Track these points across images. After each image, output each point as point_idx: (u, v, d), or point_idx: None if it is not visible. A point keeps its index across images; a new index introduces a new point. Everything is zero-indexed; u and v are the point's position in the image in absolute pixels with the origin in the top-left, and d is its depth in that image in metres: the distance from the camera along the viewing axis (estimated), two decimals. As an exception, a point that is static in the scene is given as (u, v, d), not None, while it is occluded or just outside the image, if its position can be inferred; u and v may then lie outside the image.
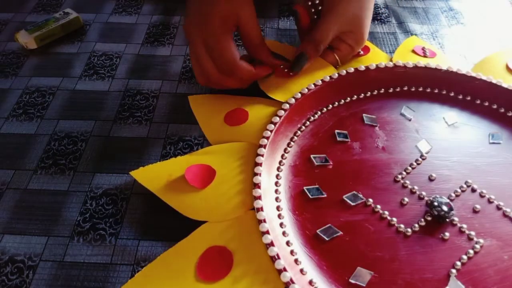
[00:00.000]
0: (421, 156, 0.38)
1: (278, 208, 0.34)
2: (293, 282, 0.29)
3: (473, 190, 0.36)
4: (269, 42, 0.47)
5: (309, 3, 0.44)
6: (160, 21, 0.55)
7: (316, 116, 0.42)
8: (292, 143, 0.39)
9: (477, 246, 0.32)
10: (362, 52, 0.48)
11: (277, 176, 0.37)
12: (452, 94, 0.44)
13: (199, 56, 0.40)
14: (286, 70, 0.44)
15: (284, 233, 0.32)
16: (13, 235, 0.33)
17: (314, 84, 0.43)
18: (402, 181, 0.36)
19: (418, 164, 0.38)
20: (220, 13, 0.38)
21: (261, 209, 0.33)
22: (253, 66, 0.42)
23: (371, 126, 0.41)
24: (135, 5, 0.58)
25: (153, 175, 0.36)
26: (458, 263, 0.31)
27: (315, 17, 0.45)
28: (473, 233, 0.33)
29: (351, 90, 0.44)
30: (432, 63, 0.45)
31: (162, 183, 0.35)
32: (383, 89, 0.44)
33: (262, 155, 0.36)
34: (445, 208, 0.33)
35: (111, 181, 0.37)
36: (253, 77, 0.43)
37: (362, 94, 0.44)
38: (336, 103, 0.43)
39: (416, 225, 0.33)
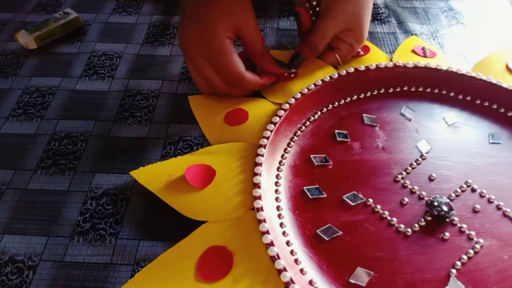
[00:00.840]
0: (421, 156, 0.38)
1: (278, 208, 0.34)
2: (293, 282, 0.29)
3: (473, 190, 0.36)
4: (272, 52, 0.47)
5: (307, 5, 0.44)
6: (160, 21, 0.55)
7: (316, 116, 0.42)
8: (292, 143, 0.39)
9: (477, 246, 0.32)
10: (362, 52, 0.48)
11: (277, 176, 0.37)
12: (452, 94, 0.44)
13: (202, 70, 0.39)
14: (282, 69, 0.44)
15: (284, 233, 0.32)
16: (13, 235, 0.33)
17: (314, 84, 0.43)
18: (402, 181, 0.36)
19: (418, 164, 0.38)
20: (221, 26, 0.37)
21: (261, 209, 0.33)
22: (258, 75, 0.42)
23: (371, 126, 0.41)
24: (135, 5, 0.58)
25: (153, 175, 0.36)
26: (458, 263, 0.31)
27: (313, 19, 0.45)
28: (473, 233, 0.33)
29: (351, 90, 0.44)
30: (432, 63, 0.45)
31: (162, 183, 0.35)
32: (383, 89, 0.44)
33: (262, 155, 0.36)
34: (445, 208, 0.33)
35: (111, 181, 0.37)
36: (260, 87, 0.43)
37: (362, 94, 0.44)
38: (336, 103, 0.43)
39: (416, 225, 0.33)
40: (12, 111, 0.43)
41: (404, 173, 0.37)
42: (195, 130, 0.41)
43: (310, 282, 0.30)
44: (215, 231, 0.32)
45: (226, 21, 0.37)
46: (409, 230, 0.33)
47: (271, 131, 0.38)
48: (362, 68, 0.44)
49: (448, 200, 0.34)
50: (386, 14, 0.56)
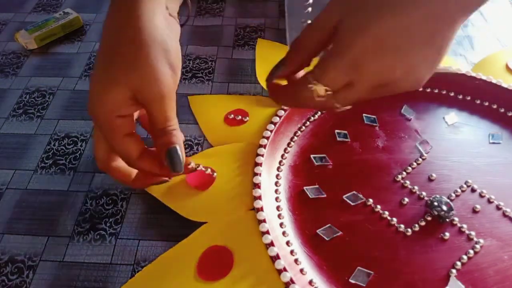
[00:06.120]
0: (421, 156, 0.38)
1: (278, 208, 0.34)
2: (293, 282, 0.29)
3: (473, 190, 0.36)
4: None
5: None
6: (160, 21, 0.55)
7: (316, 116, 0.42)
8: (292, 143, 0.39)
9: (477, 246, 0.32)
10: None
11: (277, 176, 0.37)
12: (452, 94, 0.44)
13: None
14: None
15: (284, 233, 0.32)
16: (13, 235, 0.33)
17: (314, 84, 0.43)
18: (402, 181, 0.36)
19: (418, 164, 0.38)
20: (111, 96, 0.26)
21: (261, 209, 0.33)
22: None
23: (371, 126, 0.41)
24: (135, 5, 0.58)
25: (153, 175, 0.36)
26: (458, 263, 0.31)
27: None
28: (473, 233, 0.33)
29: (351, 90, 0.44)
30: (432, 63, 0.44)
31: (162, 185, 0.35)
32: (383, 89, 0.44)
33: (262, 155, 0.36)
34: (445, 208, 0.33)
35: (111, 181, 0.37)
36: (132, 185, 0.32)
37: (362, 94, 0.44)
38: (336, 103, 0.43)
39: (416, 225, 0.33)
40: (12, 111, 0.43)
41: (404, 173, 0.37)
42: (195, 130, 0.41)
43: (310, 282, 0.30)
44: (215, 231, 0.32)
45: (119, 90, 0.26)
46: (409, 230, 0.33)
47: (271, 131, 0.38)
48: (362, 68, 0.44)
49: (448, 200, 0.34)
50: (386, 14, 0.56)
